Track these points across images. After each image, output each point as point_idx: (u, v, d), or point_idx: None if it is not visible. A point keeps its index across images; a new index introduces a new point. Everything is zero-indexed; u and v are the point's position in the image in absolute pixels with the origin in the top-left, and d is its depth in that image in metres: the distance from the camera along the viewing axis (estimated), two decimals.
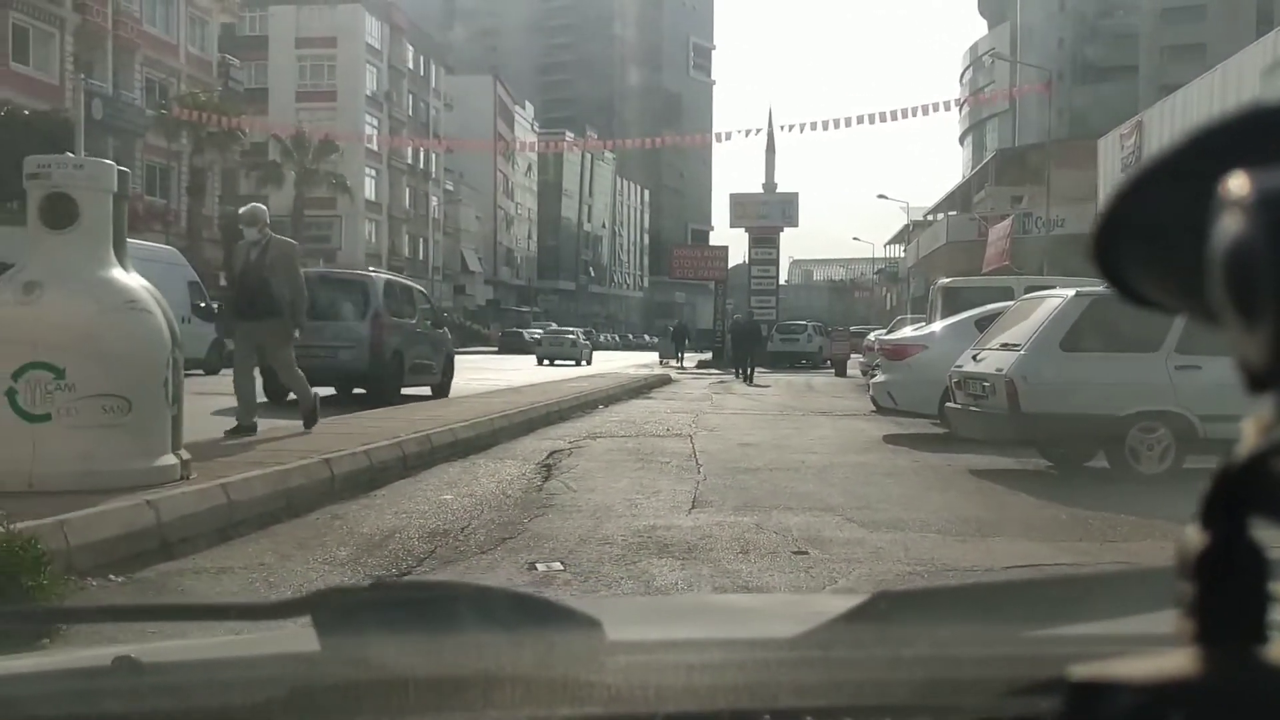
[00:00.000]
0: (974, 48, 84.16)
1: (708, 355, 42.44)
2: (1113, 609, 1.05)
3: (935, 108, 50.87)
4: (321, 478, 7.06)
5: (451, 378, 17.33)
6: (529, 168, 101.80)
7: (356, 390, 14.66)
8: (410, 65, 69.25)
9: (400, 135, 64.16)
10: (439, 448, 9.32)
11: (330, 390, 13.69)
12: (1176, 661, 0.50)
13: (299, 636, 0.93)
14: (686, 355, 40.40)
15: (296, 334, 9.36)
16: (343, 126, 56.19)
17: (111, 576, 4.73)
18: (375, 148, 61.82)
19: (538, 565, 5.33)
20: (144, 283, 6.03)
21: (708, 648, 1.03)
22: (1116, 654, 0.54)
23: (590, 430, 12.70)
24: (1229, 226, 0.47)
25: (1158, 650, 0.51)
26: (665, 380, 26.46)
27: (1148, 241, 0.53)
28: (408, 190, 68.97)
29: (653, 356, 44.99)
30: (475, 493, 7.58)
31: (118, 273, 5.86)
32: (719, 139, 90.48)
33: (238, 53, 54.57)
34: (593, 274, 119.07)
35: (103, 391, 5.57)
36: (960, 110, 75.91)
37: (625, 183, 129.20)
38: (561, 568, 5.29)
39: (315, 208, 52.78)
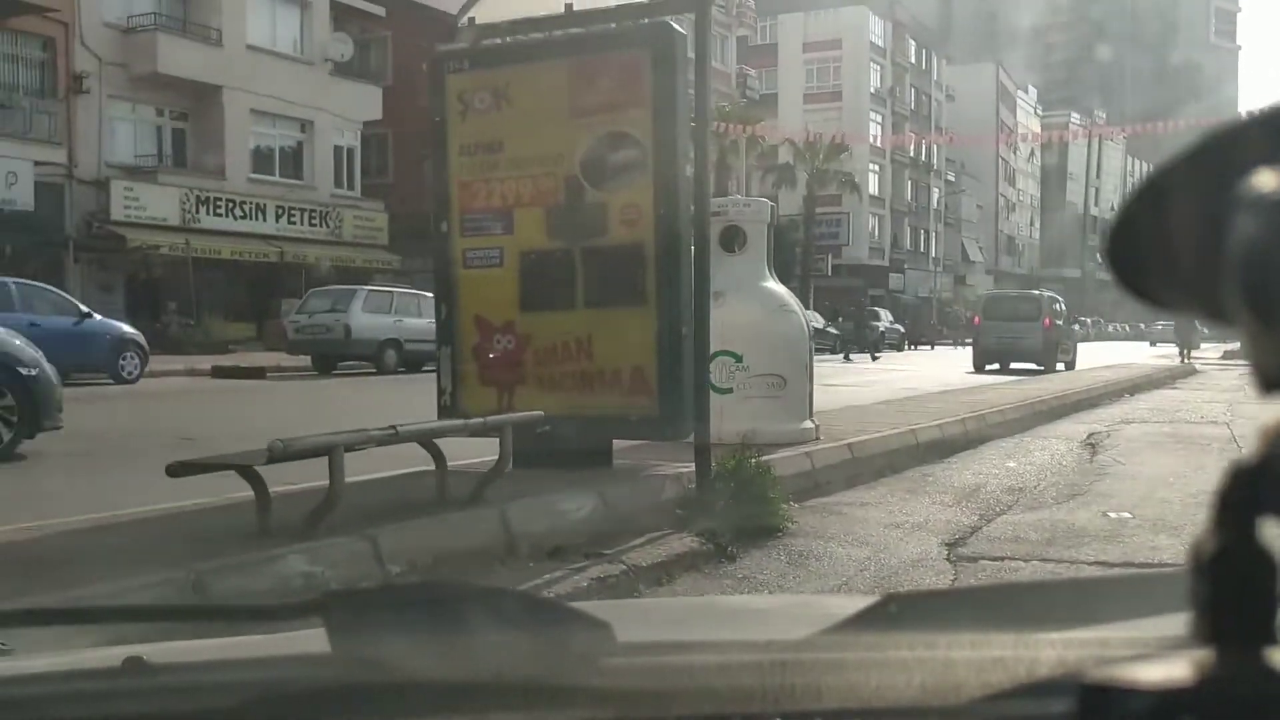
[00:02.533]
0: None
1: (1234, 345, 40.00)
2: (1124, 611, 1.06)
3: None
4: (909, 444, 8.76)
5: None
6: (1031, 153, 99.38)
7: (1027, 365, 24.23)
8: (912, 59, 70.43)
9: (903, 130, 65.60)
10: (991, 426, 10.76)
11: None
12: (1189, 664, 0.50)
13: (310, 638, 0.93)
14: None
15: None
16: (848, 125, 58.45)
17: (791, 502, 6.63)
18: (879, 144, 63.65)
19: (1109, 514, 6.64)
20: (787, 290, 8.04)
21: (718, 649, 1.03)
22: (1128, 657, 0.55)
23: (1123, 416, 13.54)
24: (1245, 227, 0.46)
25: (1170, 653, 0.52)
26: (1189, 371, 25.99)
27: (1163, 242, 0.53)
28: (909, 183, 70.26)
29: (1154, 350, 43.05)
30: (1035, 461, 8.96)
31: (772, 284, 7.92)
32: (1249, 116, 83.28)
33: (749, 62, 58.48)
34: (1100, 261, 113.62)
35: (767, 372, 7.60)
36: None
37: (1136, 161, 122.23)
38: (1130, 516, 6.57)
39: (823, 205, 55.45)
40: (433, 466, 5.32)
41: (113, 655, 0.99)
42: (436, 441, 5.27)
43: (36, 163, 24.25)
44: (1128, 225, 0.53)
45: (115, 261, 26.57)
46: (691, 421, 6.03)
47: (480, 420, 5.42)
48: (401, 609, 0.95)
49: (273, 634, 1.12)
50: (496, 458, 5.32)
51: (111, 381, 16.74)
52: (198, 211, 27.75)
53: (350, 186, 32.18)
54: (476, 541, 4.76)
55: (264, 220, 29.27)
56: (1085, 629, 0.99)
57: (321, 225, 30.71)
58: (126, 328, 17.72)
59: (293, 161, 30.91)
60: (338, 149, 31.81)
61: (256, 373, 19.42)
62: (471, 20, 6.72)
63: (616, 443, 6.71)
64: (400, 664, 0.89)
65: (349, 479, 4.65)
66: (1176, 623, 0.56)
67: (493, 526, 4.92)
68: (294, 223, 29.99)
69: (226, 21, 28.60)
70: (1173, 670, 0.50)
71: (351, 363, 21.27)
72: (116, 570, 3.70)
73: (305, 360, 21.09)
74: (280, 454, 4.08)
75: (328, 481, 4.44)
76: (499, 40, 6.64)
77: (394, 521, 4.65)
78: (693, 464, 6.02)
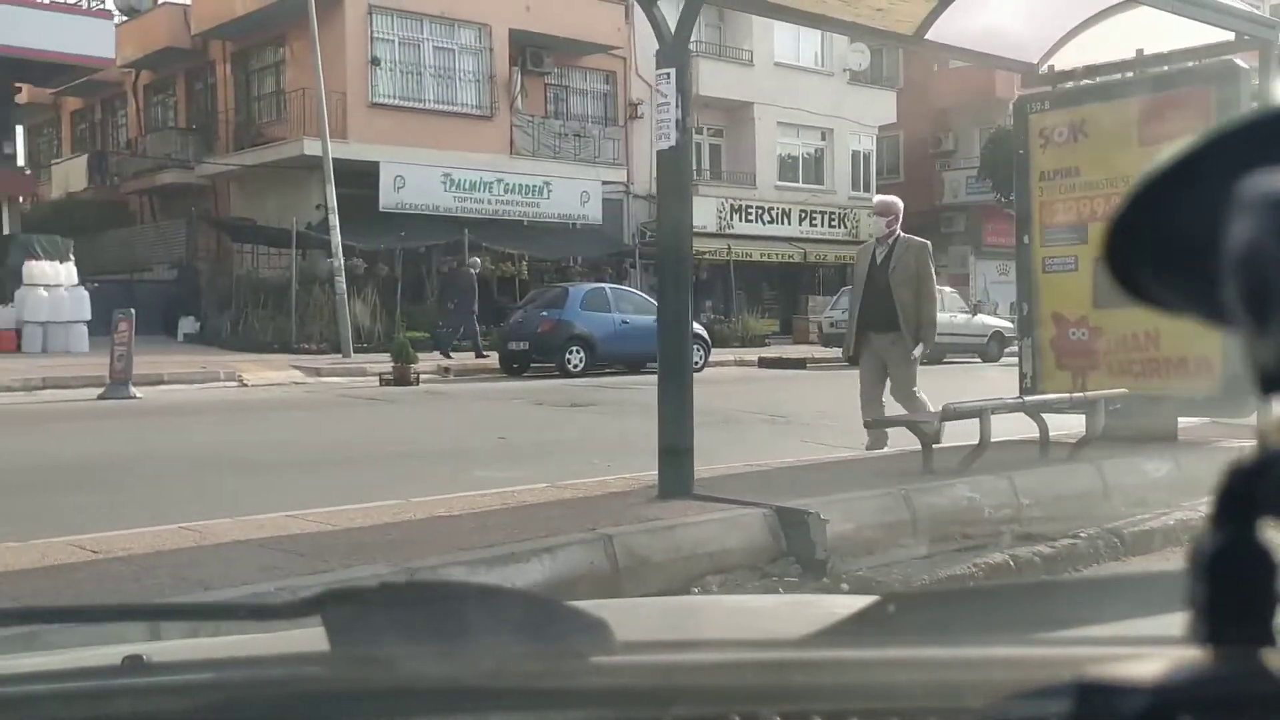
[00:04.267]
0: None
1: None
2: (1122, 611, 1.04)
3: None
4: None
5: None
6: None
7: None
8: None
9: None
10: None
11: None
12: (1186, 663, 0.50)
13: (308, 637, 0.92)
14: None
15: (918, 352, 7.67)
16: None
17: None
18: None
19: None
20: None
21: (717, 649, 1.03)
22: (1126, 656, 0.55)
23: None
24: (1243, 229, 0.46)
25: (1168, 653, 0.51)
26: None
27: (1160, 243, 0.52)
28: None
29: None
30: None
31: None
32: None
33: None
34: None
35: None
36: None
37: None
38: None
39: None
40: (1018, 439, 6.78)
41: (112, 654, 1.00)
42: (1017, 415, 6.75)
43: (604, 182, 28.19)
44: (1125, 225, 0.53)
45: None
46: (1253, 402, 7.00)
47: (1081, 395, 6.80)
48: (399, 608, 0.93)
49: (271, 633, 1.11)
50: (1082, 431, 6.68)
51: None
52: (731, 218, 30.79)
53: (865, 188, 34.03)
54: (1079, 488, 6.15)
55: (788, 224, 31.84)
56: (1083, 629, 1.00)
57: (840, 226, 32.83)
58: (696, 326, 20.56)
59: (814, 168, 33.30)
60: (855, 153, 33.80)
61: (797, 363, 21.75)
62: (1051, 67, 8.05)
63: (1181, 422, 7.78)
64: (398, 663, 0.88)
65: (962, 442, 6.21)
66: (1174, 623, 0.56)
67: (1091, 478, 6.28)
68: (815, 225, 32.33)
69: (756, 43, 31.39)
70: (1171, 670, 0.50)
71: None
72: (848, 485, 5.51)
73: (836, 352, 23.14)
74: (951, 414, 5.74)
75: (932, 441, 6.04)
76: (1076, 83, 7.92)
77: (1018, 470, 6.15)
78: (1255, 441, 6.94)
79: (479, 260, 23.38)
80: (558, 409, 13.30)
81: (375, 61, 25.06)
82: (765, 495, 5.19)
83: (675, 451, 5.41)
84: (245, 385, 16.70)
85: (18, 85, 24.40)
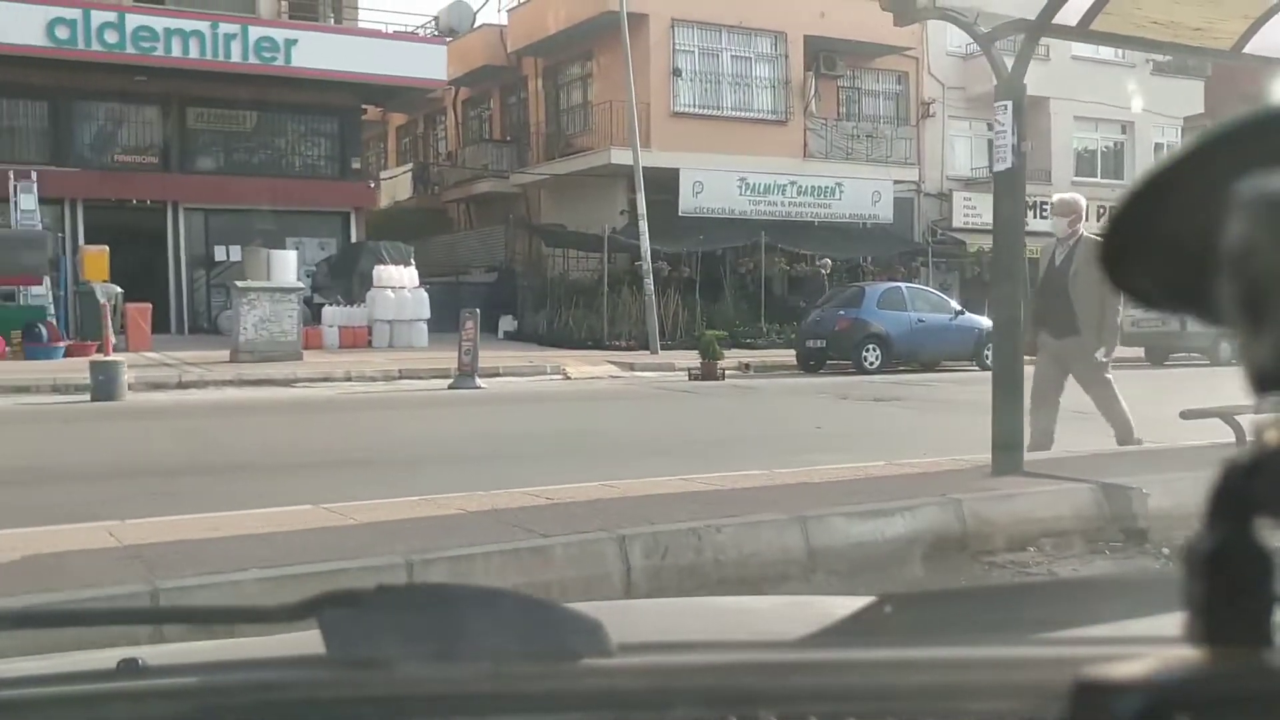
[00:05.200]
0: None
1: None
2: (1119, 611, 1.05)
3: None
4: None
5: None
6: None
7: None
8: None
9: None
10: None
11: None
12: (1183, 663, 0.50)
13: (305, 640, 0.91)
14: None
15: (1101, 356, 7.28)
16: None
17: None
18: None
19: None
20: None
21: (715, 650, 1.02)
22: (1123, 656, 0.54)
23: None
24: (1239, 230, 0.46)
25: (1164, 652, 0.51)
26: None
27: (1158, 243, 0.53)
28: None
29: None
30: None
31: None
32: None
33: None
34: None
35: None
36: None
37: None
38: None
39: None
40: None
41: (107, 657, 1.01)
42: None
43: (895, 181, 28.59)
44: (1123, 224, 0.53)
45: (954, 263, 30.24)
46: None
47: None
48: (396, 611, 0.92)
49: (267, 636, 1.12)
50: None
51: (976, 368, 19.85)
52: (1026, 215, 30.50)
53: None
54: None
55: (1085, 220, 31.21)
56: (1079, 629, 1.01)
57: None
58: (987, 321, 20.82)
59: (1113, 162, 32.48)
60: (1158, 146, 32.72)
61: None
62: None
63: None
64: (394, 666, 0.87)
65: None
66: (1170, 623, 0.57)
67: None
68: None
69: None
70: (1168, 669, 0.50)
71: (1181, 354, 22.56)
72: (1165, 469, 6.09)
73: (1139, 351, 22.75)
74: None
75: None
76: None
77: None
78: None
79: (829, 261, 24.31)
80: (862, 403, 14.04)
81: (677, 72, 26.46)
82: (1089, 474, 5.85)
83: (1007, 432, 6.15)
84: (568, 378, 18.27)
85: (364, 107, 27.20)
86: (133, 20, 21.46)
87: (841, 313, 19.92)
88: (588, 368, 19.24)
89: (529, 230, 28.67)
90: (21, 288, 20.14)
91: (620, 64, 23.69)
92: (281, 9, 23.83)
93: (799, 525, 4.65)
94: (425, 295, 22.54)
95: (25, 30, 20.64)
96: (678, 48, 26.62)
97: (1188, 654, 0.51)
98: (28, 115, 23.14)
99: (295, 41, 22.65)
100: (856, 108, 29.98)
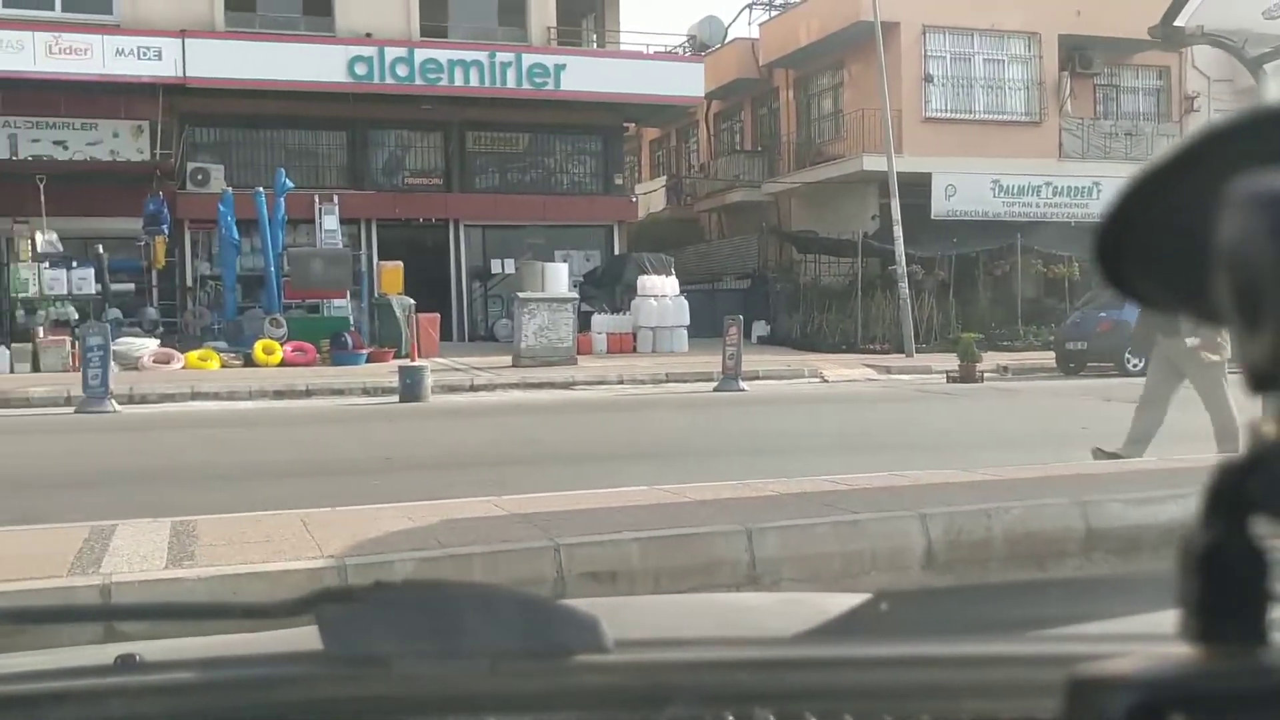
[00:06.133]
0: None
1: None
2: (1114, 609, 1.05)
3: None
4: None
5: None
6: None
7: None
8: None
9: None
10: None
11: None
12: (1178, 661, 0.50)
13: (301, 636, 0.92)
14: None
15: (1215, 356, 7.05)
16: None
17: None
18: None
19: None
20: None
21: (711, 646, 1.03)
22: (1118, 653, 0.54)
23: None
24: (1233, 227, 0.46)
25: (1159, 650, 0.51)
26: None
27: (1152, 242, 0.53)
28: None
29: None
30: None
31: None
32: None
33: None
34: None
35: None
36: None
37: None
38: None
39: None
40: None
41: (104, 653, 1.01)
42: None
43: None
44: (1118, 223, 0.53)
45: None
46: None
47: None
48: (393, 608, 0.92)
49: (264, 632, 1.12)
50: None
51: None
52: None
53: None
54: None
55: None
56: (1075, 627, 1.01)
57: None
58: None
59: None
60: None
61: None
62: None
63: None
64: (391, 663, 0.87)
65: None
66: (1165, 621, 0.57)
67: None
68: None
69: None
70: (1162, 667, 0.50)
71: None
72: None
73: None
74: None
75: None
76: None
77: None
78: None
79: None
80: (1127, 405, 14.09)
81: (928, 78, 26.73)
82: None
83: None
84: (825, 381, 18.95)
85: (625, 125, 28.66)
86: (421, 54, 23.48)
87: (1103, 315, 19.77)
88: (844, 370, 19.86)
89: (781, 237, 29.46)
90: (326, 300, 22.42)
91: (871, 72, 24.20)
92: (551, 36, 25.44)
93: (1079, 509, 5.24)
94: (685, 303, 23.68)
95: (330, 69, 22.93)
96: (929, 54, 26.87)
97: (1182, 652, 0.50)
98: (329, 144, 25.59)
99: (564, 66, 24.20)
100: (1114, 105, 29.40)
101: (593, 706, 0.88)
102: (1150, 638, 0.68)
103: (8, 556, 4.58)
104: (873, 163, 24.75)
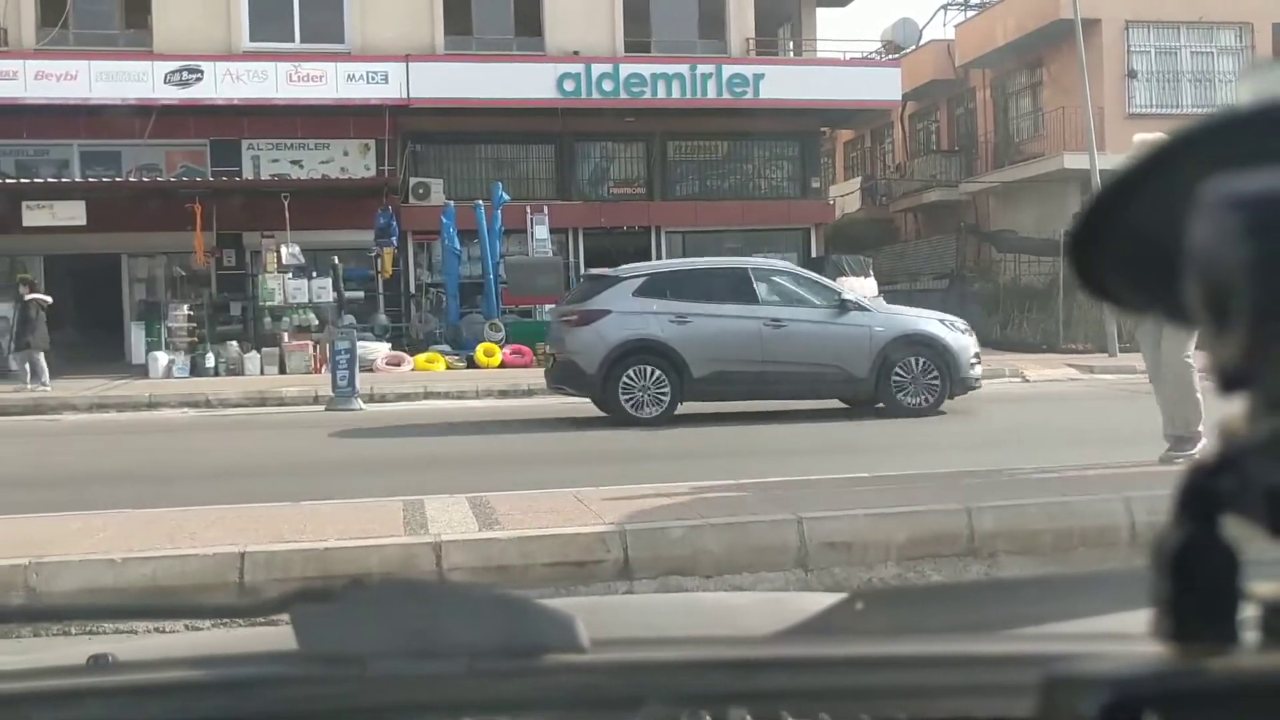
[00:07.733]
0: None
1: None
2: (1088, 608, 1.05)
3: None
4: None
5: None
6: None
7: None
8: None
9: None
10: None
11: None
12: (1151, 660, 0.51)
13: (276, 635, 0.92)
14: None
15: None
16: None
17: None
18: None
19: None
20: None
21: (687, 645, 1.03)
22: (1093, 653, 0.56)
23: None
24: (1204, 231, 0.47)
25: (1132, 649, 0.53)
26: None
27: (1124, 244, 0.53)
28: None
29: None
30: None
31: None
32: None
33: None
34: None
35: None
36: None
37: None
38: None
39: None
40: None
41: (78, 653, 1.01)
42: None
43: None
44: (1091, 226, 0.53)
45: None
46: None
47: None
48: (369, 606, 0.92)
49: (238, 631, 1.12)
50: None
51: None
52: None
53: None
54: None
55: None
56: (1049, 625, 1.02)
57: None
58: None
59: None
60: None
61: None
62: None
63: None
64: (367, 662, 0.87)
65: None
66: (1140, 620, 0.57)
67: None
68: None
69: None
70: (1136, 666, 0.50)
71: None
72: None
73: None
74: None
75: None
76: None
77: None
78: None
79: None
80: None
81: (1132, 74, 26.34)
82: None
83: None
84: (1026, 380, 19.08)
85: (823, 129, 29.19)
86: (625, 69, 24.57)
87: None
88: (1046, 370, 19.92)
89: (979, 237, 29.43)
90: (538, 306, 23.72)
91: (1070, 70, 24.07)
92: (749, 47, 26.20)
93: None
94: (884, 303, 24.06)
95: (540, 86, 24.26)
96: (1132, 49, 26.49)
97: (1156, 651, 0.51)
98: (539, 158, 26.97)
99: (763, 76, 24.92)
100: None
101: (568, 706, 0.88)
102: (1124, 637, 0.69)
103: (349, 523, 5.62)
104: (1074, 161, 24.58)
